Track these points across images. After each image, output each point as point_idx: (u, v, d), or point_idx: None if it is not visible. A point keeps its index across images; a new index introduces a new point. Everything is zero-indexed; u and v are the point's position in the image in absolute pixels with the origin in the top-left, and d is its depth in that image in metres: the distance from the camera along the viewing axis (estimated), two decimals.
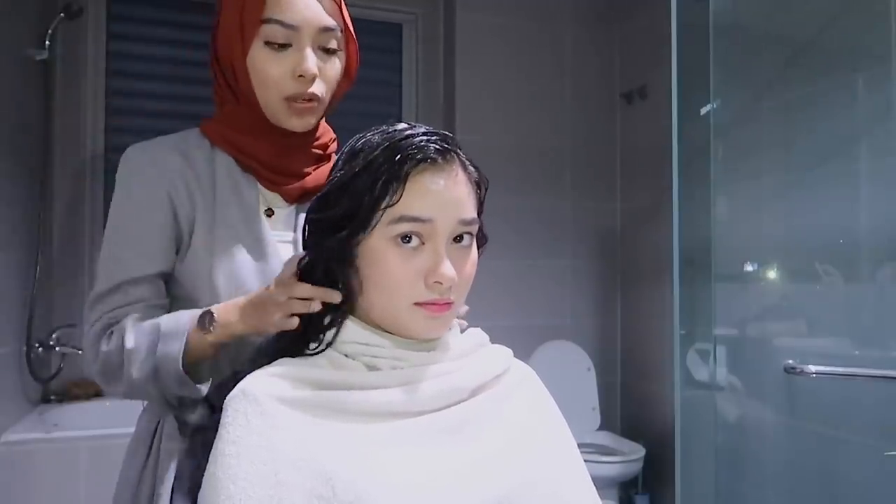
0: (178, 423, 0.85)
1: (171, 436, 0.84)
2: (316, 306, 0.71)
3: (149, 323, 0.81)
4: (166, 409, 0.86)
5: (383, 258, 0.67)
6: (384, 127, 0.71)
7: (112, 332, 0.82)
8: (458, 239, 0.69)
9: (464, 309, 0.79)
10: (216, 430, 0.63)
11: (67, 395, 2.32)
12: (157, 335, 0.79)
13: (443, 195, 0.67)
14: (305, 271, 0.73)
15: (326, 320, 0.71)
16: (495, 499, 0.63)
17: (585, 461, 0.75)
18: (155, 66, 2.55)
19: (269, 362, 0.70)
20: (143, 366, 0.79)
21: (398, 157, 0.65)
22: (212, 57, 0.90)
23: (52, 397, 2.30)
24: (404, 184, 0.65)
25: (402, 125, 0.70)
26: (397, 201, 0.65)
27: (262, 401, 0.63)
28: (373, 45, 2.86)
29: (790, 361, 1.39)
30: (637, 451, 2.48)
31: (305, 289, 0.72)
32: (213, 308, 0.80)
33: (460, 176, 0.69)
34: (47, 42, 2.18)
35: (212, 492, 0.59)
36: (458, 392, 0.69)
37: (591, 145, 2.96)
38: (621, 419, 2.96)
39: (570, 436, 0.76)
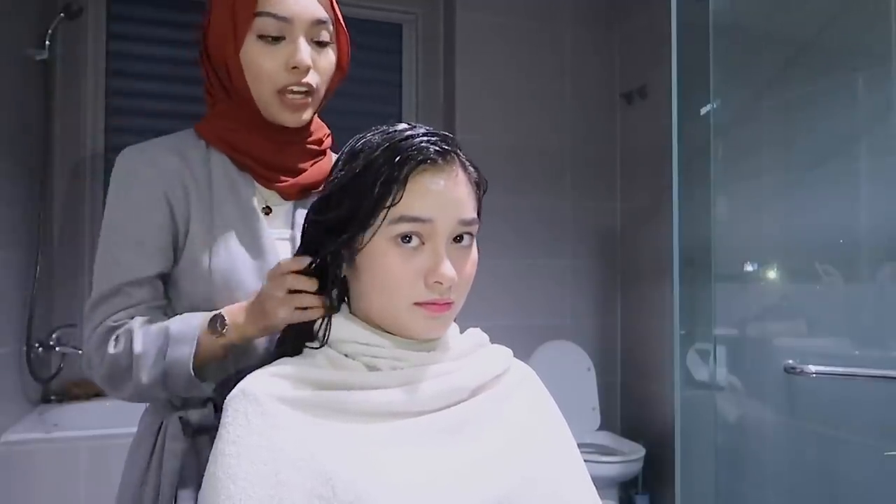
0: (181, 424, 0.85)
1: (175, 436, 0.84)
2: (313, 300, 0.73)
3: (156, 326, 0.81)
4: (169, 410, 0.87)
5: (383, 258, 0.67)
6: (384, 127, 0.71)
7: (118, 336, 0.82)
8: (458, 239, 0.69)
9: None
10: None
11: (67, 395, 2.32)
12: (166, 339, 0.80)
13: (443, 195, 0.67)
14: (307, 272, 0.74)
15: (318, 321, 0.73)
16: (495, 499, 0.63)
17: (585, 461, 0.75)
18: (155, 66, 2.55)
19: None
20: (153, 370, 0.79)
21: (398, 158, 0.66)
22: (202, 56, 0.91)
23: (52, 397, 2.30)
24: (404, 184, 0.65)
25: (402, 125, 0.70)
26: (398, 202, 0.65)
27: (262, 401, 0.63)
28: (373, 45, 2.86)
29: (790, 361, 1.39)
30: (637, 451, 2.47)
31: (299, 280, 0.73)
32: (223, 311, 0.80)
33: (460, 176, 0.69)
34: (47, 42, 2.18)
35: (212, 491, 0.59)
36: (458, 392, 0.69)
37: (591, 145, 2.96)
38: (621, 419, 2.96)
39: (570, 436, 0.76)
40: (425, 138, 0.67)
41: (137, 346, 0.79)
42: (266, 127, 0.89)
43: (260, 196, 0.91)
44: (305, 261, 0.74)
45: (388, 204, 0.65)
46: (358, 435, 0.63)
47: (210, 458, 0.62)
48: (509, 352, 0.78)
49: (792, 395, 1.58)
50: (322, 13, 0.86)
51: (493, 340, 0.78)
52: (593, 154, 2.97)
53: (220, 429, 0.63)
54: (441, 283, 0.66)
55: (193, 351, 0.79)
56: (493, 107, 2.80)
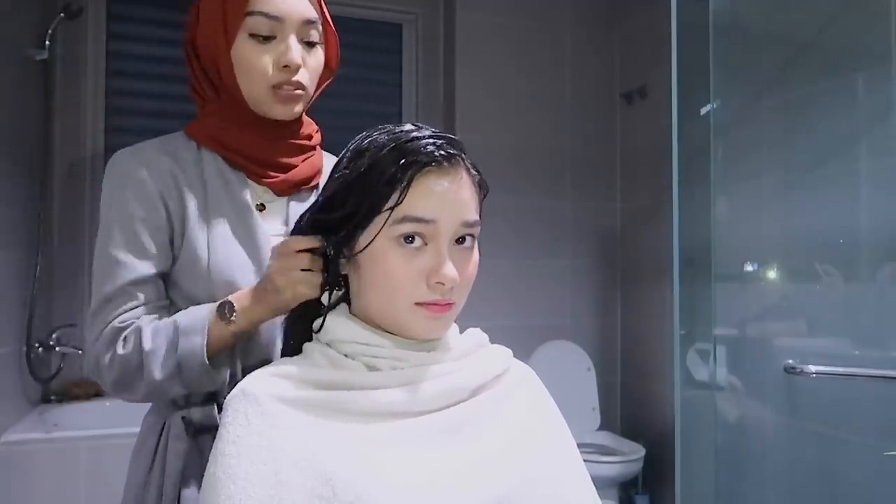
0: (183, 423, 0.85)
1: (178, 436, 0.85)
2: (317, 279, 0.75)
3: (164, 322, 0.82)
4: (172, 409, 0.87)
5: (385, 258, 0.67)
6: (390, 126, 0.71)
7: (126, 336, 0.81)
8: (460, 240, 0.69)
9: None
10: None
11: (67, 395, 2.32)
12: (175, 332, 0.80)
13: (446, 196, 0.67)
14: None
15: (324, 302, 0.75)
16: (495, 498, 0.63)
17: (585, 461, 0.76)
18: (155, 66, 2.55)
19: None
20: (165, 365, 0.79)
21: (403, 160, 0.66)
22: (190, 57, 0.91)
23: (52, 397, 2.30)
24: (409, 186, 0.66)
25: (408, 126, 0.70)
26: (401, 202, 0.66)
27: (262, 401, 0.63)
28: (373, 45, 2.86)
29: (790, 361, 1.39)
30: (637, 451, 2.48)
31: (306, 259, 0.75)
32: (231, 297, 0.81)
33: (464, 178, 0.69)
34: (47, 42, 2.18)
35: (212, 491, 0.60)
36: (458, 392, 0.69)
37: (591, 145, 2.96)
38: (621, 419, 2.96)
39: (569, 436, 0.76)
40: (431, 140, 0.67)
41: (147, 343, 0.79)
42: (257, 123, 0.90)
43: (253, 193, 0.91)
44: (315, 240, 0.74)
45: (392, 204, 0.66)
46: (358, 435, 0.63)
47: (210, 457, 0.62)
48: (509, 352, 0.78)
49: (792, 395, 1.58)
50: (312, 13, 0.88)
51: (493, 340, 0.79)
52: (593, 154, 2.97)
53: (220, 429, 0.63)
54: (443, 284, 0.66)
55: (205, 340, 0.79)
56: (493, 107, 2.80)
